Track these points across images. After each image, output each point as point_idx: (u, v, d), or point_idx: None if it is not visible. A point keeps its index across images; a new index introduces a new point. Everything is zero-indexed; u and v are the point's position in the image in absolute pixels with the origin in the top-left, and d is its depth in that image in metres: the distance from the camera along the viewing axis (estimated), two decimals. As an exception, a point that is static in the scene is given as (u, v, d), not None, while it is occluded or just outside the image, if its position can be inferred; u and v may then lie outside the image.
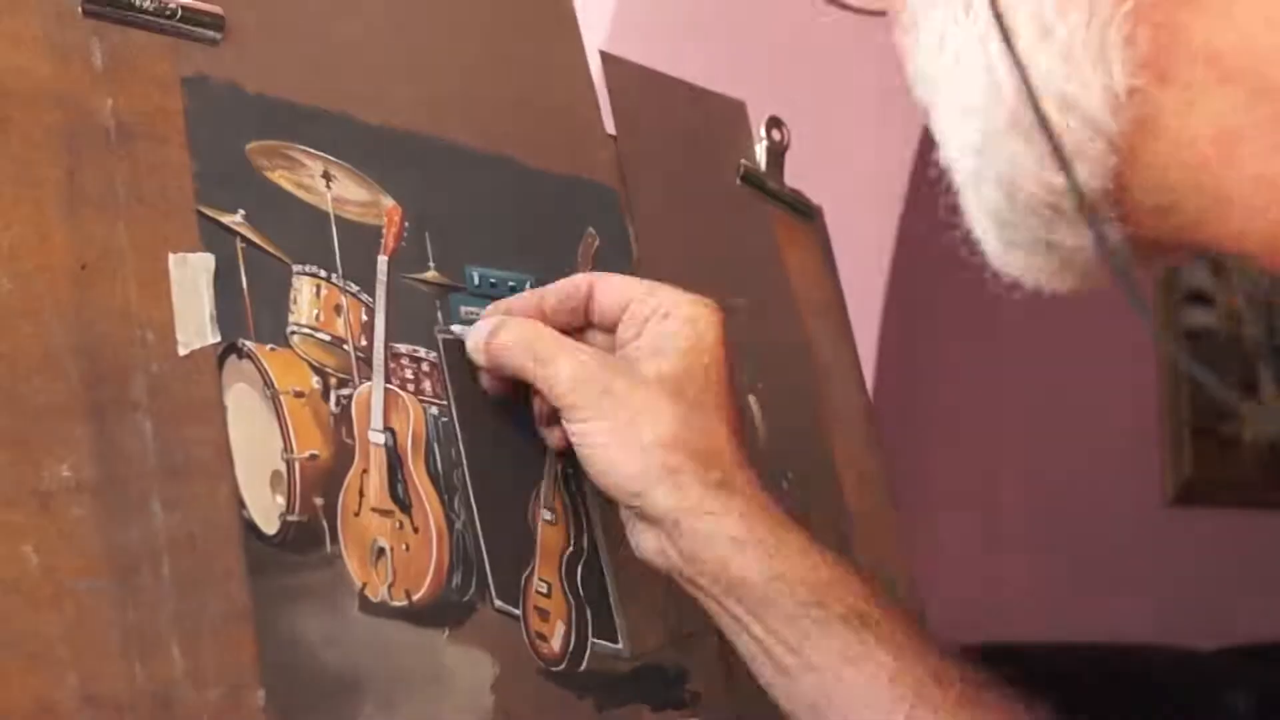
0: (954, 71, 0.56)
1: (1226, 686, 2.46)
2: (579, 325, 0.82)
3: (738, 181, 1.04)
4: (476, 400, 0.80)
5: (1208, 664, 2.62)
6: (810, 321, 1.05)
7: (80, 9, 0.69)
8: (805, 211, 1.09)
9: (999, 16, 0.53)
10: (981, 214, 0.59)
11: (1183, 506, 3.27)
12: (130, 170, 0.68)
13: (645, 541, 0.78)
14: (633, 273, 0.90)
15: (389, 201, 0.79)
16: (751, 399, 0.95)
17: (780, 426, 0.97)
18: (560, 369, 0.77)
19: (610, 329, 0.81)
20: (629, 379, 0.77)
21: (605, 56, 0.97)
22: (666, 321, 0.79)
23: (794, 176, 1.08)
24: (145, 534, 0.63)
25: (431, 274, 0.80)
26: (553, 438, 0.81)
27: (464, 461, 0.78)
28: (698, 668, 0.85)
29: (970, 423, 3.00)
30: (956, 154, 0.59)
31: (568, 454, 0.80)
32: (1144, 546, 3.16)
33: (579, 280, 0.82)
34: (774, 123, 1.07)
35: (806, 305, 1.05)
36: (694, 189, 1.01)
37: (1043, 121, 0.53)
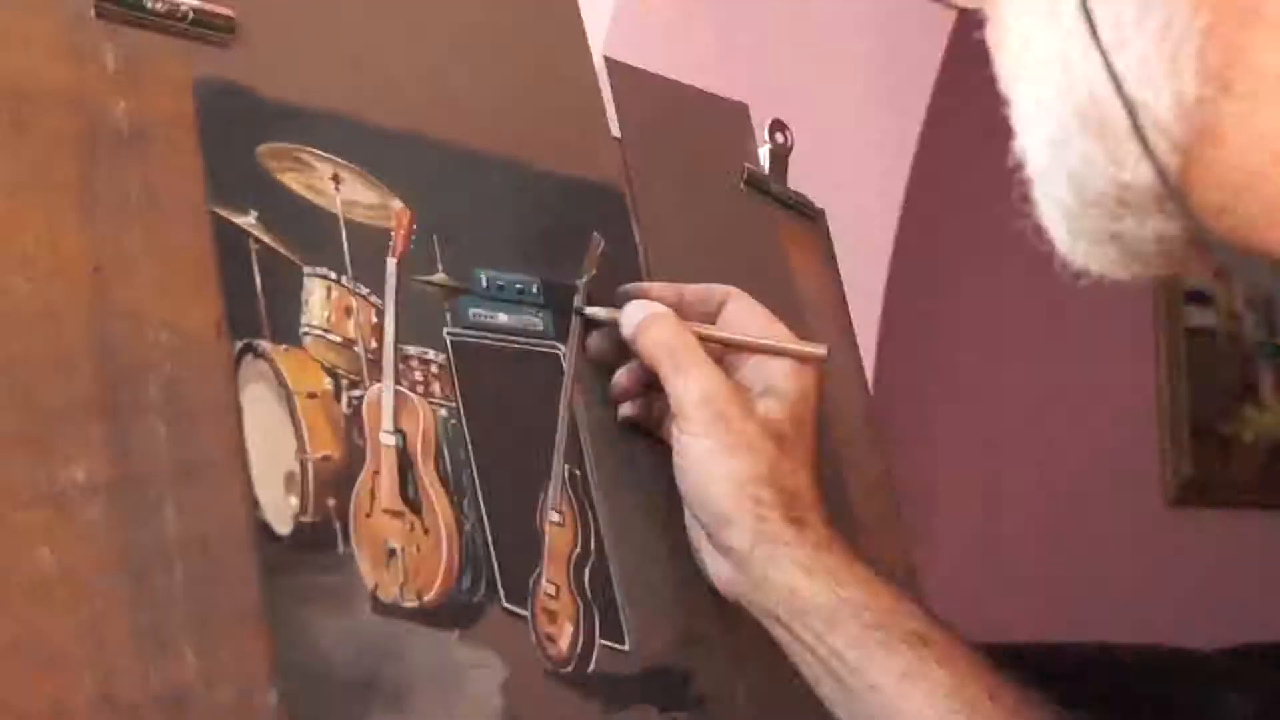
0: (1034, 69, 0.60)
1: (1226, 687, 2.46)
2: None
3: (741, 185, 1.04)
4: (485, 402, 0.80)
5: (1208, 664, 2.62)
6: (814, 324, 1.05)
7: (93, 11, 0.69)
8: (808, 214, 1.10)
9: (1089, 14, 0.56)
10: (1051, 205, 0.62)
11: (1183, 507, 3.27)
12: (143, 172, 0.69)
13: (718, 568, 0.84)
14: (638, 274, 0.90)
15: (397, 204, 0.79)
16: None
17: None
18: (691, 383, 0.83)
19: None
20: (742, 411, 0.83)
21: (609, 62, 0.97)
22: (779, 363, 0.86)
23: (795, 178, 1.08)
24: (159, 535, 0.64)
25: (440, 276, 0.81)
26: (627, 409, 0.87)
27: (473, 463, 0.78)
28: (705, 670, 0.85)
29: (970, 423, 3.00)
30: (1030, 147, 0.61)
31: (575, 457, 0.81)
32: (1144, 546, 3.17)
33: (718, 290, 0.89)
34: (777, 126, 1.07)
35: (810, 307, 1.05)
36: (699, 192, 1.01)
37: (1130, 110, 0.56)
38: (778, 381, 0.86)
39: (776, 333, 0.88)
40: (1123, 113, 0.57)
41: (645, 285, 0.88)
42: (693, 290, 0.88)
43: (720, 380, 0.84)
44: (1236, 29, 0.55)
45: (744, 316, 0.88)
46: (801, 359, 0.86)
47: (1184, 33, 0.55)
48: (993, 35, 0.63)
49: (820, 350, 0.87)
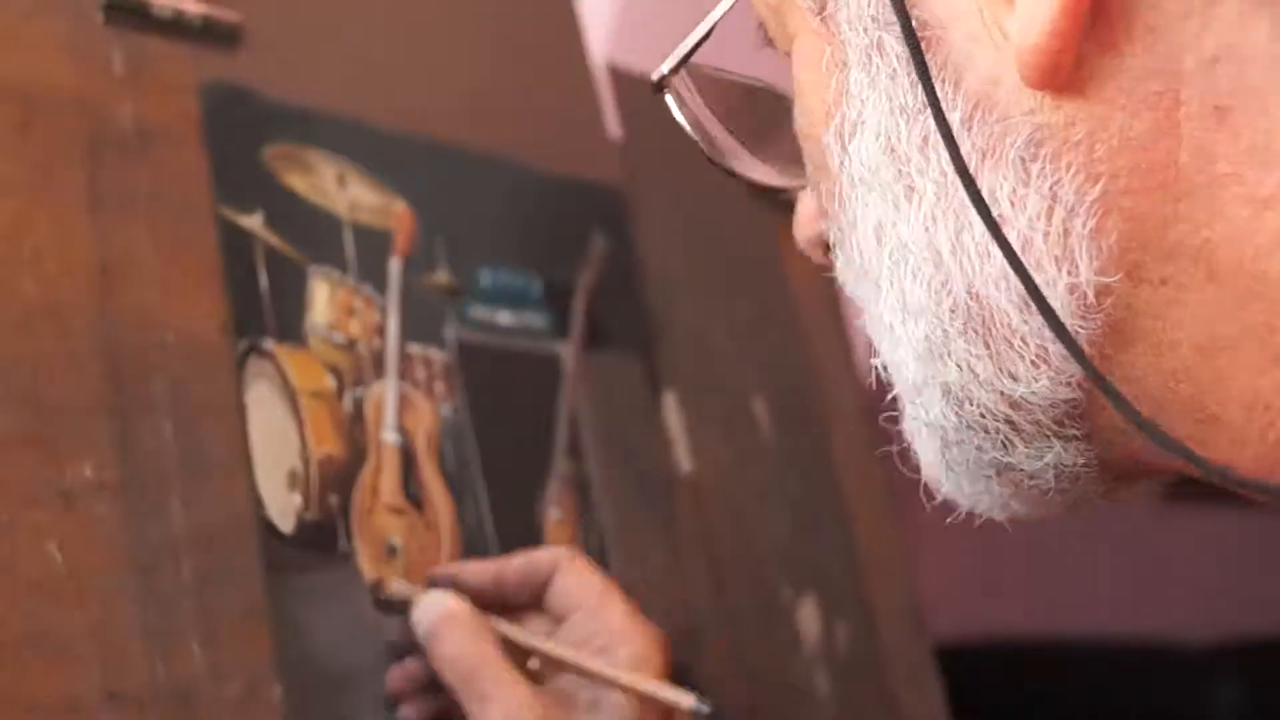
0: (895, 266, 0.48)
1: (1218, 679, 2.47)
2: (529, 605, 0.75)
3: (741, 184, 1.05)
4: (487, 400, 0.81)
5: (1200, 657, 2.63)
6: (811, 324, 1.06)
7: (100, 17, 0.70)
8: (807, 213, 1.10)
9: (974, 190, 0.44)
10: (923, 431, 0.51)
11: (1181, 505, 3.28)
12: (150, 174, 0.70)
13: None
14: (637, 274, 0.91)
15: (400, 205, 0.80)
16: (758, 401, 0.97)
17: (785, 428, 0.98)
18: (492, 714, 0.67)
19: (556, 618, 0.74)
20: None
21: (610, 64, 0.98)
22: (604, 657, 0.72)
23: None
24: (166, 532, 0.64)
25: (442, 276, 0.81)
26: (408, 711, 0.71)
27: (475, 461, 0.79)
28: (704, 663, 0.86)
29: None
30: (896, 363, 0.50)
31: (576, 454, 0.82)
32: (1140, 542, 3.18)
33: (543, 561, 0.74)
34: (778, 126, 1.08)
35: (807, 307, 1.06)
36: (697, 192, 1.02)
37: (1036, 296, 0.44)
38: (610, 699, 0.72)
39: (611, 611, 0.73)
40: (1014, 313, 0.46)
41: (457, 569, 0.73)
42: (516, 568, 0.74)
43: (528, 706, 0.67)
44: (1144, 198, 0.43)
45: (574, 592, 0.73)
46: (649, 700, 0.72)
47: (1074, 207, 0.44)
48: (808, 226, 0.53)
49: (683, 700, 0.72)
